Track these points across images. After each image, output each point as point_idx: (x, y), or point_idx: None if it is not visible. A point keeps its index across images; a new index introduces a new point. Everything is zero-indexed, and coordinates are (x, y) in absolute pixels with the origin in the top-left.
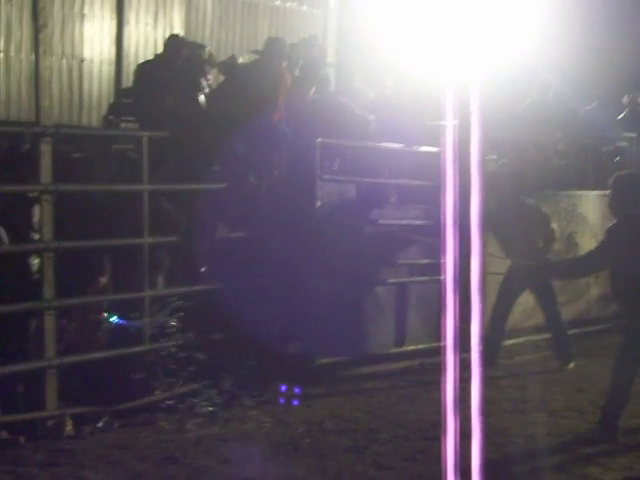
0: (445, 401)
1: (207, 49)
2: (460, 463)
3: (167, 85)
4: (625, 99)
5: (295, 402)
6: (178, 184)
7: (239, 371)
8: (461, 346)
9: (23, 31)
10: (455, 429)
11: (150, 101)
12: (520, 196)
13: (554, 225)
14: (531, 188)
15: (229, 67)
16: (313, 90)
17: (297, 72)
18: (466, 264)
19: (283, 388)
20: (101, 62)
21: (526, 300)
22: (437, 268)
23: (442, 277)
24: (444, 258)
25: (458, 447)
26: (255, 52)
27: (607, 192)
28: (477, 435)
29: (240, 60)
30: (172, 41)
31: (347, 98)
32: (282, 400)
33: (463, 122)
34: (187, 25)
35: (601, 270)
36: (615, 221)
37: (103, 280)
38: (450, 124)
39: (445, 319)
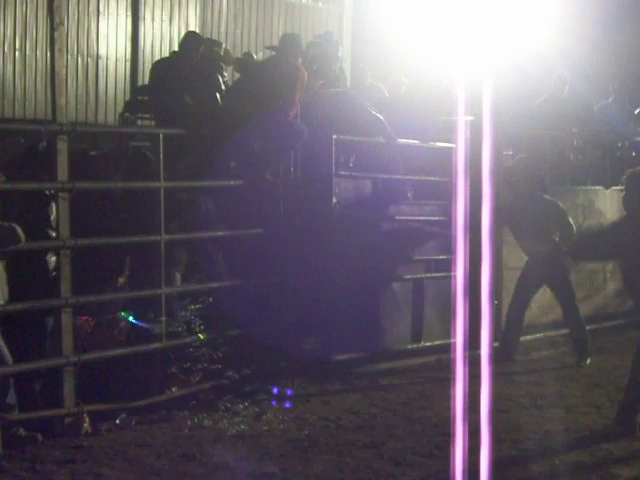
0: (455, 398)
1: (223, 46)
2: (474, 459)
3: (185, 82)
4: None
5: (287, 404)
6: (195, 181)
7: (255, 368)
8: (473, 343)
9: (39, 29)
10: (465, 426)
11: (167, 99)
12: (536, 192)
13: (571, 220)
14: (547, 184)
15: (244, 64)
16: (320, 82)
17: (314, 68)
18: (477, 260)
19: (275, 390)
20: (117, 59)
21: (543, 296)
22: (453, 264)
23: (455, 273)
24: (455, 254)
25: (467, 444)
26: (270, 48)
27: (620, 188)
28: (487, 432)
29: (255, 57)
30: (189, 38)
31: (361, 96)
32: (274, 402)
33: (478, 118)
34: (202, 22)
35: (610, 259)
36: (626, 214)
37: (122, 280)
38: (462, 120)
39: (455, 316)
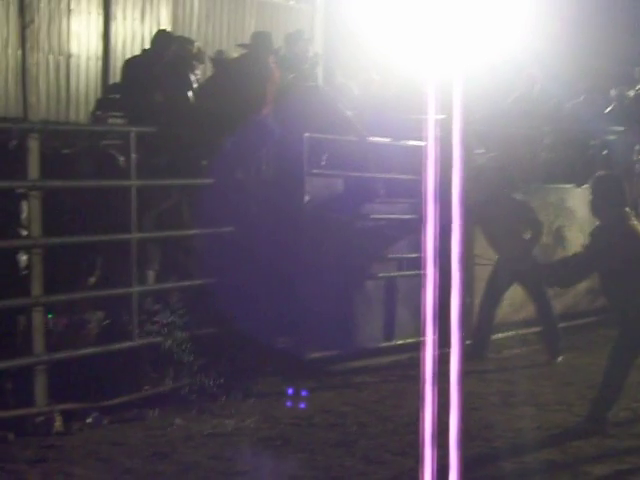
0: (425, 397)
1: (196, 44)
2: (446, 458)
3: (155, 81)
4: (613, 92)
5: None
6: (167, 179)
7: (228, 366)
8: (444, 341)
9: (10, 27)
10: (433, 423)
11: (138, 97)
12: (507, 190)
13: (540, 218)
14: (518, 182)
15: (218, 62)
16: (291, 75)
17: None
18: (448, 258)
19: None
20: (88, 58)
21: (515, 294)
22: (426, 262)
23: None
24: (424, 253)
25: (436, 441)
26: (242, 46)
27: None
28: (455, 431)
29: (227, 55)
30: (160, 36)
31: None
32: (289, 403)
33: (450, 116)
34: (174, 20)
35: (592, 274)
36: (598, 223)
37: (92, 280)
38: (432, 118)
39: (424, 314)
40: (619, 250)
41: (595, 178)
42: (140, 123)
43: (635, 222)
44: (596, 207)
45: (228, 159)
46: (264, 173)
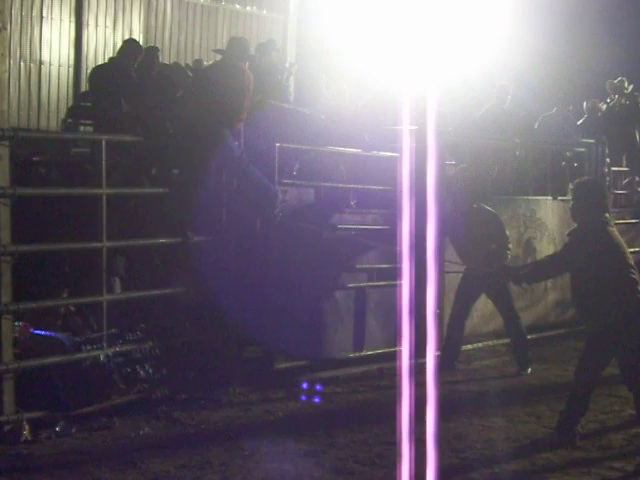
0: (401, 408)
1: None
2: (418, 468)
3: (124, 89)
4: (585, 105)
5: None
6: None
7: (198, 375)
8: (417, 352)
9: None
10: (411, 435)
11: (106, 105)
12: (477, 202)
13: (508, 232)
14: (489, 193)
15: (194, 71)
16: (260, 96)
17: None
18: (422, 270)
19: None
20: (60, 65)
21: (485, 305)
22: (396, 273)
23: (400, 282)
24: (400, 263)
25: (414, 453)
26: (218, 51)
27: (566, 198)
28: (433, 440)
29: (191, 64)
30: (128, 45)
31: (308, 107)
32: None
33: (421, 128)
34: (146, 29)
35: (562, 272)
36: (577, 226)
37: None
38: (407, 130)
39: (401, 325)
40: (594, 255)
41: (576, 183)
42: (108, 131)
43: (614, 229)
44: (576, 211)
45: (200, 168)
46: (235, 182)
